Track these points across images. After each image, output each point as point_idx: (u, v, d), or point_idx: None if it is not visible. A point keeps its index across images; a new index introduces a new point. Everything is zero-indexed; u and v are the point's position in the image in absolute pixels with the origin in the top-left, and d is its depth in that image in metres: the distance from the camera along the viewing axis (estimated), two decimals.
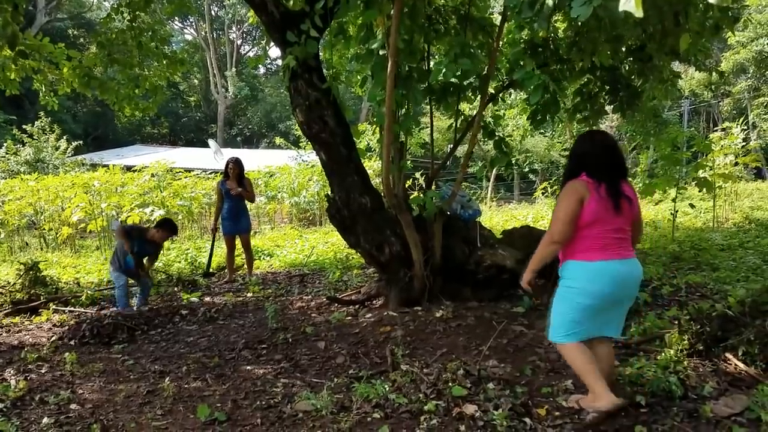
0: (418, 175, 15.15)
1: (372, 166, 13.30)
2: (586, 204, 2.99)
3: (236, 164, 7.70)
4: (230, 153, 28.76)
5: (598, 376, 3.05)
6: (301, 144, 17.51)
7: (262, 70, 46.45)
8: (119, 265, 6.24)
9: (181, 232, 13.44)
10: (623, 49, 5.05)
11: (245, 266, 8.16)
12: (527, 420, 3.11)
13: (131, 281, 6.53)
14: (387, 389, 3.47)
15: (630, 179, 3.34)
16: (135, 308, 6.16)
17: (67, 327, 5.57)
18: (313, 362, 4.27)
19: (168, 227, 6.41)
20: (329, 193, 5.49)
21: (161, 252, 6.81)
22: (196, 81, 43.59)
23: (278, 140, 19.58)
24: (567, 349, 3.14)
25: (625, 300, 3.16)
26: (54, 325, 5.87)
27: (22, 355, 4.75)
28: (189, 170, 15.49)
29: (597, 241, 3.02)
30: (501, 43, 5.18)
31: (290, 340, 4.80)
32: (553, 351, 4.03)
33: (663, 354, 3.67)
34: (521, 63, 3.77)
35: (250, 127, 43.47)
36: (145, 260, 6.56)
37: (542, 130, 18.86)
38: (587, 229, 3.02)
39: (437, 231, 5.20)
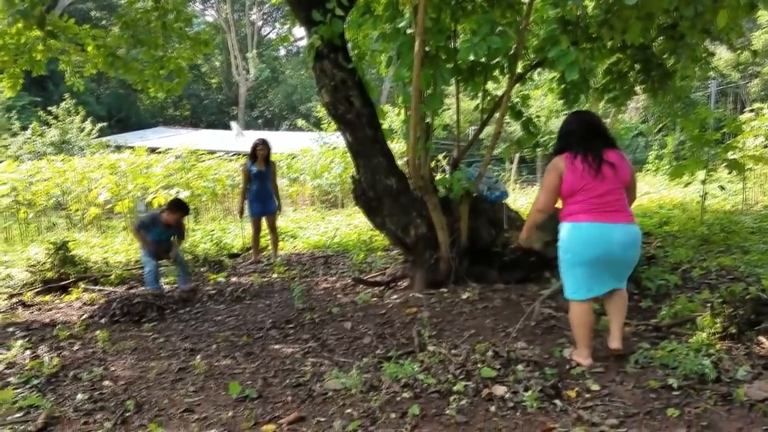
0: (440, 157, 15.06)
1: (394, 148, 13.25)
2: (564, 178, 3.40)
3: (264, 145, 7.69)
4: (252, 135, 28.86)
5: (586, 337, 3.52)
6: (322, 126, 17.50)
7: (282, 51, 46.42)
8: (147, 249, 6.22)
9: (205, 213, 13.58)
10: (655, 26, 4.94)
11: (269, 247, 8.21)
12: (557, 402, 3.09)
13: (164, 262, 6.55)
14: (415, 369, 3.48)
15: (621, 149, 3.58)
16: (179, 290, 6.19)
17: (97, 305, 5.66)
18: (341, 342, 4.30)
19: (176, 207, 6.18)
20: (354, 174, 5.48)
21: (185, 232, 6.73)
22: (217, 63, 43.70)
23: (300, 122, 19.57)
24: (572, 306, 3.56)
25: (618, 260, 3.42)
26: (84, 304, 5.97)
27: (54, 332, 4.85)
28: (212, 152, 15.58)
29: (582, 206, 3.38)
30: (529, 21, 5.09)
31: (317, 320, 4.84)
32: None
33: (695, 337, 3.63)
34: (555, 41, 3.68)
35: (271, 109, 43.55)
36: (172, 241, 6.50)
37: (567, 111, 18.57)
38: (571, 198, 3.42)
39: (463, 213, 5.17)
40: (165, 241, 6.25)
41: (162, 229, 6.17)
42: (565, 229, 3.47)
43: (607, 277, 3.46)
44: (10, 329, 5.04)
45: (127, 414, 3.20)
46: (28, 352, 4.35)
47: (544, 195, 3.50)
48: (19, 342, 4.49)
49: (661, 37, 5.14)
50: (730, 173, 8.20)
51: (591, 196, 3.35)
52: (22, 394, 3.48)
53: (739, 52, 5.66)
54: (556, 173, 3.43)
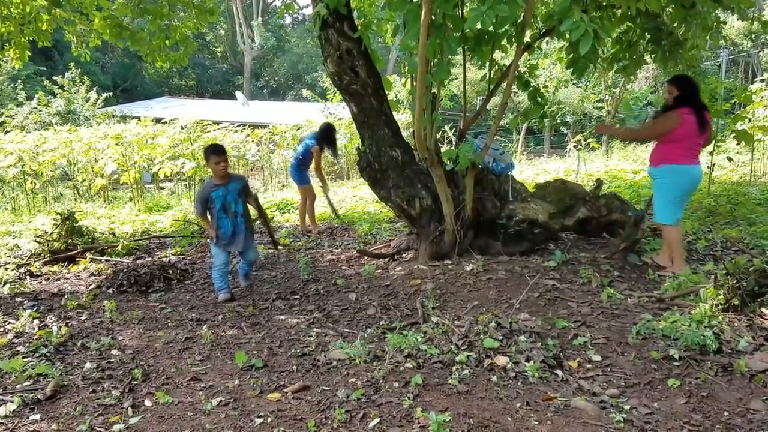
0: (447, 128, 14.95)
1: (400, 118, 13.15)
2: (678, 127, 4.47)
3: None
4: (258, 105, 28.65)
5: (681, 250, 4.72)
6: (328, 96, 17.39)
7: (288, 19, 45.93)
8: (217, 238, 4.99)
9: None
10: None
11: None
12: (559, 372, 3.13)
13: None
14: (419, 340, 3.52)
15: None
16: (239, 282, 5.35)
17: (104, 276, 5.71)
18: (345, 313, 4.34)
19: (210, 152, 4.88)
20: (360, 146, 5.45)
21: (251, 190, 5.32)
22: (222, 31, 43.27)
23: (306, 92, 19.44)
24: (670, 228, 4.68)
25: (694, 191, 4.85)
26: (92, 274, 6.01)
27: (62, 302, 4.89)
28: (217, 122, 15.50)
29: (683, 152, 4.53)
30: None
31: (322, 291, 4.87)
32: (585, 304, 4.02)
33: (697, 309, 3.63)
34: (567, 13, 3.60)
35: (276, 79, 43.25)
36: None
37: (575, 81, 18.34)
38: (677, 143, 4.51)
39: (469, 185, 5.15)
40: (232, 203, 4.93)
41: (222, 190, 4.89)
42: (673, 171, 4.57)
43: (683, 207, 4.75)
44: (19, 299, 5.09)
45: (135, 382, 3.25)
46: (36, 321, 4.40)
47: (652, 131, 4.85)
48: (28, 311, 4.54)
49: (672, 6, 5.05)
50: (738, 144, 8.11)
51: (690, 144, 4.52)
52: (31, 363, 3.53)
53: (751, 20, 5.52)
54: (673, 121, 4.51)
